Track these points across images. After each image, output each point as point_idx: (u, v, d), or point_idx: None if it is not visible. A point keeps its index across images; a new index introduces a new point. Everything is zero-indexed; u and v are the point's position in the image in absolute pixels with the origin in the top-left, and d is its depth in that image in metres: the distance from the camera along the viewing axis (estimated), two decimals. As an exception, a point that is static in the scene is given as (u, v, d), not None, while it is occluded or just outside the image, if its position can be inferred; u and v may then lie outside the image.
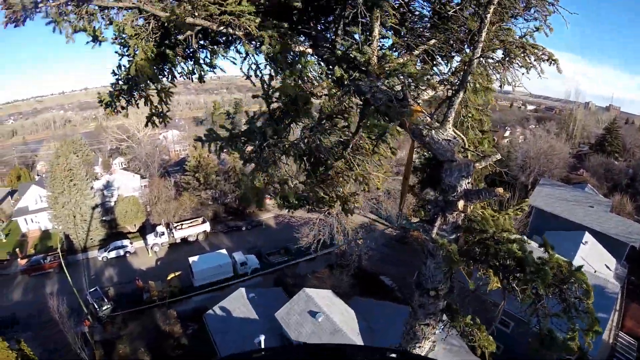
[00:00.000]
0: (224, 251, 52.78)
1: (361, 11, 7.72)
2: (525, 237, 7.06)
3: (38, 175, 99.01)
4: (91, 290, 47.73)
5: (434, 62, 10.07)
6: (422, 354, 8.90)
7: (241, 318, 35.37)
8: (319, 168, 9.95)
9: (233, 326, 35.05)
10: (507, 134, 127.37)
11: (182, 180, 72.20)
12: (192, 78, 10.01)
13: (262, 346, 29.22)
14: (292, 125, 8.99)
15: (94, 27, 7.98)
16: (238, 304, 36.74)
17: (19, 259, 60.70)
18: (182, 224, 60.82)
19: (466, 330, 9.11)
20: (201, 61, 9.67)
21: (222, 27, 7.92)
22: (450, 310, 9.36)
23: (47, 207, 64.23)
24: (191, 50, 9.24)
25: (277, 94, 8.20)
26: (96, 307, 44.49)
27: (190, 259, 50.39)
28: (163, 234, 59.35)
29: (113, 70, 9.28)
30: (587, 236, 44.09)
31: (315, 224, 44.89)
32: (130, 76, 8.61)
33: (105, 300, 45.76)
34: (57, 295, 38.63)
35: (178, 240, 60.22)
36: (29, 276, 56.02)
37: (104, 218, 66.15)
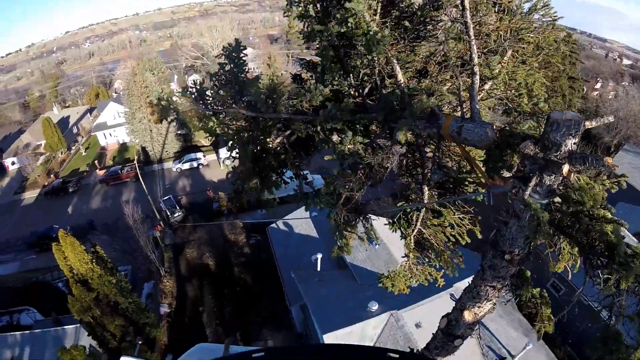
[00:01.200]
0: (292, 168, 53.26)
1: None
2: (623, 221, 5.87)
3: (115, 93, 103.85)
4: (165, 198, 51.17)
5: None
6: (480, 315, 8.57)
7: (302, 235, 36.09)
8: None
9: (293, 241, 35.93)
10: (597, 86, 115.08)
11: (256, 98, 72.45)
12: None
13: (319, 264, 29.59)
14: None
15: None
16: (300, 220, 37.34)
17: (98, 170, 65.58)
18: (255, 138, 61.69)
19: (530, 302, 8.83)
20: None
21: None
22: (520, 277, 8.84)
23: (124, 123, 67.50)
24: None
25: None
26: (168, 214, 48.18)
27: (260, 173, 51.24)
28: (236, 148, 60.45)
29: None
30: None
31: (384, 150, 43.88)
32: None
33: (177, 208, 49.19)
34: (133, 202, 41.08)
35: (250, 155, 61.25)
36: (107, 185, 60.66)
37: (179, 132, 68.91)
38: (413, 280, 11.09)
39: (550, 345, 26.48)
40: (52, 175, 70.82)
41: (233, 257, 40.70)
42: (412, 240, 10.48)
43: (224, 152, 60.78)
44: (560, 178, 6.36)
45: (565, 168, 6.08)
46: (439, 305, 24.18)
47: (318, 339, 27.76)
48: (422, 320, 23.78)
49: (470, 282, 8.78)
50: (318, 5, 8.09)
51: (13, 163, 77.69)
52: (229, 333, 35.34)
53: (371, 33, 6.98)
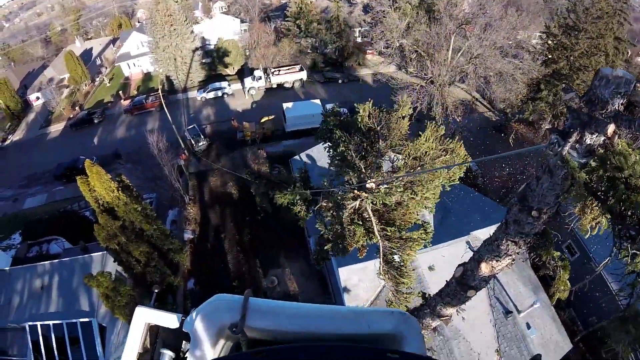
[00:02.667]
0: (317, 101, 52.64)
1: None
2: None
3: (138, 23, 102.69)
4: (189, 127, 51.73)
5: None
6: (497, 269, 8.30)
7: (324, 168, 35.79)
8: None
9: (315, 174, 35.70)
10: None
11: (283, 26, 71.31)
12: None
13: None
14: None
15: None
16: (323, 154, 36.88)
17: (122, 100, 66.13)
18: (279, 70, 61.01)
19: (549, 264, 8.64)
20: None
21: None
22: (544, 237, 8.63)
23: (148, 52, 67.06)
24: None
25: None
26: (193, 142, 48.99)
27: (284, 105, 51.00)
28: (260, 78, 60.30)
29: None
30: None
31: (416, 90, 42.07)
32: None
33: (202, 136, 49.86)
34: (157, 131, 41.32)
35: (274, 86, 61.34)
36: (131, 115, 61.47)
37: (203, 61, 68.27)
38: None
39: (555, 307, 26.58)
40: (76, 108, 71.85)
41: (254, 186, 40.67)
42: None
43: (248, 82, 60.56)
44: (602, 139, 5.86)
45: (610, 128, 5.64)
46: (454, 251, 24.19)
47: (333, 271, 28.05)
48: (436, 264, 24.14)
49: (491, 235, 8.43)
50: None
51: (38, 98, 78.78)
52: (248, 259, 36.44)
53: None
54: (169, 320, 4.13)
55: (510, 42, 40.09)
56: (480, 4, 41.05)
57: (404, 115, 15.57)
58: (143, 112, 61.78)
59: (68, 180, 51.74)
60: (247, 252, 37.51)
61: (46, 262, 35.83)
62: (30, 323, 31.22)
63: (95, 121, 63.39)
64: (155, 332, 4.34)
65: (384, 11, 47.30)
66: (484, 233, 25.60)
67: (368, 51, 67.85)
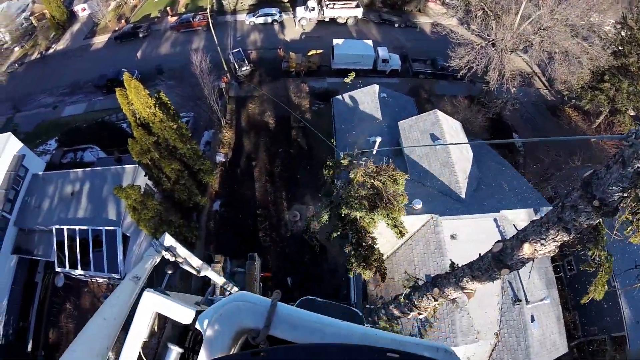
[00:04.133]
0: (369, 42, 50.93)
1: None
2: None
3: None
4: (234, 50, 51.33)
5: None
6: (539, 252, 8.09)
7: (365, 113, 35.36)
8: None
9: (355, 117, 35.61)
10: None
11: (343, -43, 68.24)
12: None
13: (376, 147, 28.98)
14: None
15: None
16: (367, 98, 36.42)
17: (169, 17, 65.68)
18: (334, 3, 58.95)
19: (594, 262, 8.54)
20: None
21: None
22: (596, 231, 8.24)
23: (199, -31, 65.74)
24: None
25: None
26: (236, 66, 48.89)
27: (334, 41, 49.79)
28: (313, 9, 58.49)
29: None
30: None
31: (475, 49, 39.90)
32: None
33: (246, 61, 49.60)
34: (202, 51, 40.97)
35: (327, 19, 59.39)
36: (177, 32, 61.42)
37: (256, -17, 66.26)
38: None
39: (563, 306, 26.49)
40: (122, 21, 71.90)
41: (293, 119, 41.30)
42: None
43: (301, 11, 58.78)
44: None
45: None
46: (480, 224, 23.87)
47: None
48: (459, 233, 23.80)
49: (542, 216, 8.13)
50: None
51: (84, 9, 79.13)
52: (275, 190, 37.31)
53: None
54: (183, 314, 3.76)
55: (583, 23, 37.45)
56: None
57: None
58: (189, 30, 61.42)
59: (108, 91, 52.66)
60: (275, 184, 38.09)
61: (79, 169, 36.89)
62: (57, 226, 32.51)
63: (140, 35, 63.60)
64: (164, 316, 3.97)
65: None
66: (514, 214, 25.06)
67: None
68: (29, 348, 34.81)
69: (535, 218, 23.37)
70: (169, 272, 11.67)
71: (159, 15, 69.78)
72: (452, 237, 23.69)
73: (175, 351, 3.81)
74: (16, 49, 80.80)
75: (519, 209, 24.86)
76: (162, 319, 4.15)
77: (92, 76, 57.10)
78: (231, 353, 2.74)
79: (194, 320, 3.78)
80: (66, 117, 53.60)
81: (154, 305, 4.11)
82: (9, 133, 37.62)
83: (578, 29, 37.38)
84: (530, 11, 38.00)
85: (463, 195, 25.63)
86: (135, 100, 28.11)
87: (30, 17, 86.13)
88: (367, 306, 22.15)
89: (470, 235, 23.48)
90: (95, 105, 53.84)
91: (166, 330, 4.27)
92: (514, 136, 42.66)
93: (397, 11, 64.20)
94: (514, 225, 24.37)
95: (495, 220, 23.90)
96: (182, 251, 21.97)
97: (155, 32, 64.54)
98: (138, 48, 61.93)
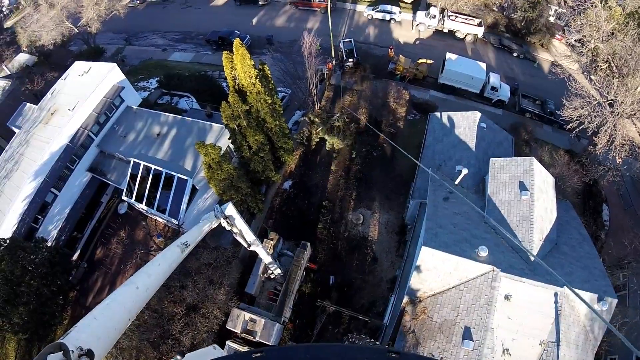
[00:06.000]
0: (483, 65, 48.96)
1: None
2: None
3: None
4: (345, 40, 50.96)
5: None
6: None
7: (459, 138, 34.10)
8: None
9: (448, 139, 34.38)
10: None
11: (479, -29, 66.05)
12: None
13: (460, 178, 27.80)
14: None
15: None
16: (466, 123, 35.05)
17: None
18: (457, 16, 57.33)
19: None
20: None
21: None
22: None
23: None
24: None
25: None
26: (344, 56, 48.46)
27: (448, 55, 48.38)
28: (434, 17, 57.17)
29: None
30: None
31: (591, 104, 36.61)
32: None
33: (355, 54, 48.88)
34: (315, 33, 41.34)
35: (445, 30, 57.90)
36: (296, 8, 62.69)
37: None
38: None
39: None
40: (248, -17, 73.44)
41: (385, 122, 40.84)
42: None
43: (421, 16, 57.56)
44: None
45: None
46: (539, 293, 22.02)
47: (416, 245, 26.99)
48: (514, 295, 22.38)
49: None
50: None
51: None
52: (347, 188, 37.37)
53: None
54: None
55: None
56: None
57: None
58: (308, 8, 62.11)
59: (218, 48, 54.51)
60: (348, 181, 37.77)
61: (171, 114, 38.08)
62: (136, 160, 33.96)
63: (260, 3, 65.22)
64: None
65: (592, 3, 41.87)
66: (575, 296, 22.93)
67: (557, 36, 61.57)
68: (75, 257, 37.34)
69: (596, 306, 21.61)
70: (179, 357, 11.65)
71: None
72: (506, 297, 22.36)
73: None
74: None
75: (584, 290, 22.97)
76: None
77: (205, 30, 59.23)
78: None
79: None
80: (172, 62, 55.83)
81: None
82: (114, 64, 39.90)
83: None
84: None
85: (532, 257, 23.89)
86: (240, 67, 28.64)
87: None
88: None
89: (525, 302, 22.10)
90: (202, 58, 55.74)
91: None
92: (604, 209, 39.80)
93: (519, 39, 61.39)
94: (572, 306, 22.77)
95: (555, 294, 22.23)
96: (240, 223, 21.93)
97: (275, 3, 65.77)
98: (255, 14, 63.47)
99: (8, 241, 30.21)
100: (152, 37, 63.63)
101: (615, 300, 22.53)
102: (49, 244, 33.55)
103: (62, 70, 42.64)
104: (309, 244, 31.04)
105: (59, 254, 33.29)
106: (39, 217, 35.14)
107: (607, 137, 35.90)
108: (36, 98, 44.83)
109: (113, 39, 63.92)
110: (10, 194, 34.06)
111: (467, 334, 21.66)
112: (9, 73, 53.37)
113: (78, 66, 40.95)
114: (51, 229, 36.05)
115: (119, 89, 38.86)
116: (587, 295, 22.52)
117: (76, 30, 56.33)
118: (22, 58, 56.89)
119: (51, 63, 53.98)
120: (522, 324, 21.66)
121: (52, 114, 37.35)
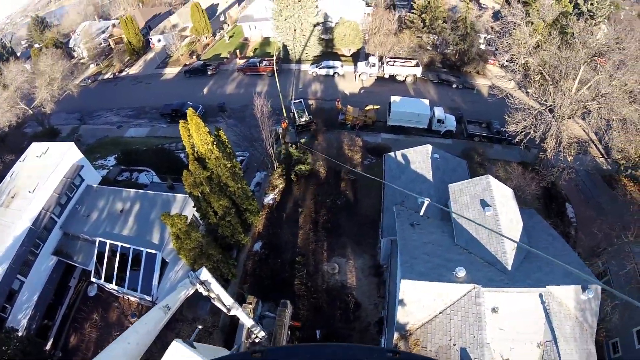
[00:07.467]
0: (426, 101, 51.07)
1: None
2: None
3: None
4: (296, 100, 52.90)
5: None
6: None
7: (417, 172, 34.93)
8: None
9: (405, 176, 35.19)
10: None
11: (407, 17, 69.62)
12: None
13: (423, 209, 28.45)
14: None
15: None
16: (419, 158, 36.10)
17: (238, 59, 68.94)
18: (395, 61, 60.19)
19: None
20: None
21: None
22: None
23: (270, 18, 68.78)
24: None
25: None
26: (296, 116, 49.97)
27: (392, 98, 50.46)
28: (374, 65, 60.07)
29: None
30: None
31: (532, 114, 39.17)
32: None
33: (306, 112, 50.51)
34: (264, 96, 42.17)
35: (387, 76, 60.78)
36: (243, 75, 64.62)
37: (322, 36, 69.27)
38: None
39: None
40: (194, 57, 76.34)
41: (344, 171, 41.71)
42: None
43: (362, 67, 60.49)
44: None
45: None
46: (524, 299, 22.54)
47: (395, 281, 27.27)
48: (501, 307, 22.52)
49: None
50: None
51: (159, 40, 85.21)
52: (317, 240, 37.24)
53: None
54: None
55: (641, 88, 36.21)
56: (618, 37, 37.43)
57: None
58: (255, 74, 64.42)
59: (172, 120, 55.23)
60: (318, 233, 37.77)
61: (132, 189, 37.97)
62: (101, 239, 33.48)
63: (209, 73, 67.17)
64: None
65: (515, 23, 44.81)
66: (561, 290, 23.68)
67: (490, 61, 64.99)
68: (48, 346, 35.43)
69: (582, 296, 22.13)
70: (200, 327, 11.61)
71: (228, 57, 73.54)
72: (494, 310, 22.59)
73: None
74: (92, 65, 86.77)
75: (567, 285, 23.55)
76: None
77: (158, 103, 60.17)
78: None
79: None
80: (128, 138, 56.04)
81: (181, 356, 4.06)
82: (72, 143, 39.77)
83: (637, 95, 36.31)
84: (588, 76, 37.22)
85: (509, 267, 24.43)
86: (195, 135, 29.04)
87: (109, 39, 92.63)
88: None
89: (513, 310, 22.40)
90: (158, 131, 56.16)
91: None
92: (567, 207, 41.24)
93: (455, 71, 64.58)
94: (559, 302, 23.22)
95: (540, 295, 22.67)
96: (216, 287, 21.68)
97: (222, 72, 67.99)
98: (205, 84, 65.11)
99: (-23, 333, 28.74)
100: (106, 114, 63.86)
101: (600, 287, 22.92)
102: (20, 334, 31.87)
103: (19, 153, 42.03)
104: (288, 301, 30.54)
105: (31, 344, 31.71)
106: (7, 305, 33.45)
107: (555, 140, 37.83)
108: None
109: (67, 118, 64.25)
110: (-25, 281, 32.60)
111: (464, 355, 21.65)
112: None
113: (35, 147, 40.50)
114: (20, 318, 34.34)
115: (78, 167, 38.55)
116: (571, 288, 23.03)
117: (30, 111, 56.16)
118: (-23, 142, 55.73)
119: (7, 146, 53.15)
120: (515, 331, 21.76)
121: (12, 197, 36.48)
